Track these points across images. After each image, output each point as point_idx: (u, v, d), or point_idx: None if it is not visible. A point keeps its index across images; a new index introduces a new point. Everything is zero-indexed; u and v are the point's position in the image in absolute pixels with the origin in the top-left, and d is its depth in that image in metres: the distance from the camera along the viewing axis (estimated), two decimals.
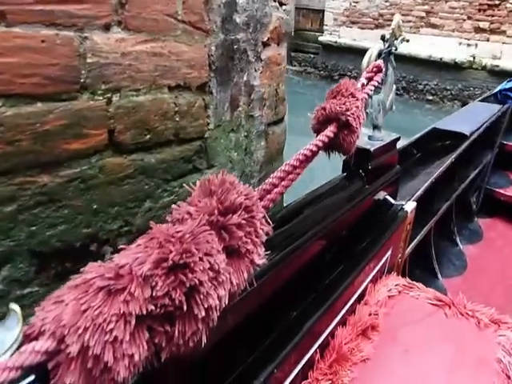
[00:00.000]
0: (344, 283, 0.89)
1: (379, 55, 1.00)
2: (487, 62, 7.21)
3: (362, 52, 1.00)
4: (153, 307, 0.39)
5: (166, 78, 1.06)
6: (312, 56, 9.72)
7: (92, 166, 0.96)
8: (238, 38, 1.24)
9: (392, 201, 1.17)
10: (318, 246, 0.87)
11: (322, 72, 9.42)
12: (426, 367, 0.88)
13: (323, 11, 9.38)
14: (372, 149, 1.02)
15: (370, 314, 0.97)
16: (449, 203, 1.85)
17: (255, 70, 1.35)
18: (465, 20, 7.52)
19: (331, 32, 9.25)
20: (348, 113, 0.74)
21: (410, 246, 1.41)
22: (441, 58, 7.56)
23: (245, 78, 1.31)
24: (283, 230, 0.77)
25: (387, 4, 8.28)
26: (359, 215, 1.03)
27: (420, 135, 1.88)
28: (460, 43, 7.56)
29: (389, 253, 1.12)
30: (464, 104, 3.00)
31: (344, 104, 0.74)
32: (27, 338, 0.35)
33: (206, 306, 0.41)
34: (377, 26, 8.29)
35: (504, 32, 7.18)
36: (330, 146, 0.76)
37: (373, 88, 0.89)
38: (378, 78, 0.92)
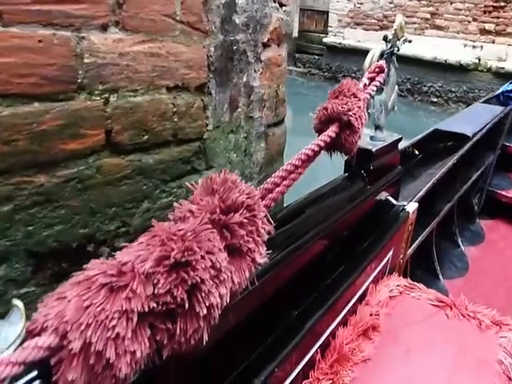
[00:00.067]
0: (345, 283, 0.89)
1: (381, 56, 1.00)
2: (492, 64, 7.16)
3: (366, 53, 1.00)
4: (155, 304, 0.39)
5: (163, 79, 1.06)
6: (316, 57, 9.71)
7: (89, 167, 0.96)
8: (238, 39, 1.24)
9: (394, 201, 1.17)
10: (319, 245, 0.87)
11: (326, 73, 9.41)
12: (426, 368, 0.88)
13: (327, 12, 9.38)
14: (374, 149, 1.02)
15: (371, 315, 0.96)
16: (451, 204, 1.84)
17: (255, 71, 1.35)
18: (470, 22, 7.48)
19: (335, 33, 9.24)
20: (350, 113, 0.74)
21: (412, 247, 1.41)
22: (446, 60, 7.53)
23: (244, 79, 1.31)
24: (285, 230, 0.77)
25: (392, 5, 8.26)
26: (361, 215, 1.03)
27: (422, 136, 1.87)
28: (465, 45, 7.52)
29: (390, 253, 1.11)
30: (469, 106, 2.98)
31: (346, 104, 0.75)
32: (30, 334, 0.35)
33: (207, 304, 0.41)
34: (381, 28, 8.27)
35: (510, 34, 7.14)
36: (331, 146, 0.77)
37: (375, 88, 0.89)
38: (380, 78, 0.92)
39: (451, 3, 7.58)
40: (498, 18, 7.23)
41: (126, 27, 0.95)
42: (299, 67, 9.99)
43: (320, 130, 0.76)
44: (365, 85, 0.88)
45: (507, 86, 2.63)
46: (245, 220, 0.48)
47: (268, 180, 0.61)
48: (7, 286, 0.90)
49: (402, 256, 1.24)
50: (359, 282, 0.96)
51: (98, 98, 0.94)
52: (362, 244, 1.01)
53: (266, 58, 1.39)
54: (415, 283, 1.13)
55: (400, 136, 1.15)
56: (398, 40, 1.08)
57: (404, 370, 0.87)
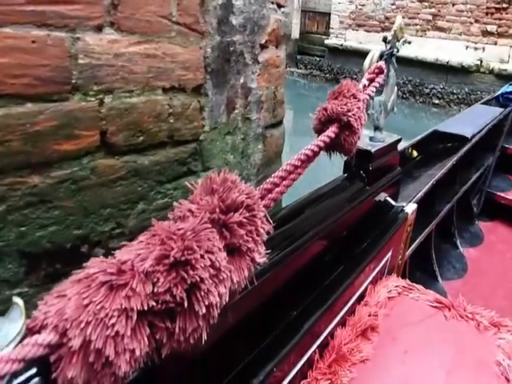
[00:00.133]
0: (344, 284, 0.89)
1: (381, 57, 1.00)
2: (495, 66, 7.15)
3: (367, 55, 1.00)
4: (154, 303, 0.39)
5: (159, 80, 1.05)
6: (318, 59, 9.72)
7: (83, 168, 0.96)
8: (235, 40, 1.24)
9: (393, 202, 1.17)
10: (318, 246, 0.87)
11: (327, 75, 9.41)
12: (425, 368, 0.88)
13: (329, 14, 9.39)
14: (373, 150, 1.02)
15: (369, 315, 0.96)
16: (450, 206, 1.84)
17: (252, 73, 1.35)
18: (472, 23, 7.47)
19: (337, 35, 9.25)
20: (349, 114, 0.74)
21: (411, 248, 1.41)
22: (447, 62, 7.52)
23: (241, 81, 1.31)
24: (284, 230, 0.77)
25: (393, 7, 8.26)
26: (360, 216, 1.03)
27: (421, 137, 1.87)
28: (467, 47, 7.51)
29: (389, 254, 1.11)
30: None
31: (345, 105, 0.75)
32: (30, 331, 0.36)
33: (206, 303, 0.42)
34: (383, 29, 8.26)
35: None
36: (331, 147, 0.77)
37: (374, 89, 0.89)
38: (380, 79, 0.92)
39: (453, 5, 7.57)
40: (500, 19, 7.21)
41: (121, 28, 0.95)
42: (301, 68, 10.00)
43: (319, 130, 0.76)
44: (364, 86, 0.88)
45: (507, 88, 2.63)
46: (244, 220, 0.48)
47: (267, 180, 0.62)
48: (0, 287, 0.89)
49: (400, 257, 1.24)
50: (358, 282, 0.96)
51: (93, 99, 0.93)
52: (361, 244, 1.01)
53: (264, 60, 1.39)
54: (414, 284, 1.13)
55: (399, 137, 1.15)
56: (398, 41, 1.09)
57: (402, 370, 0.87)
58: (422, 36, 7.91)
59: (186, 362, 0.54)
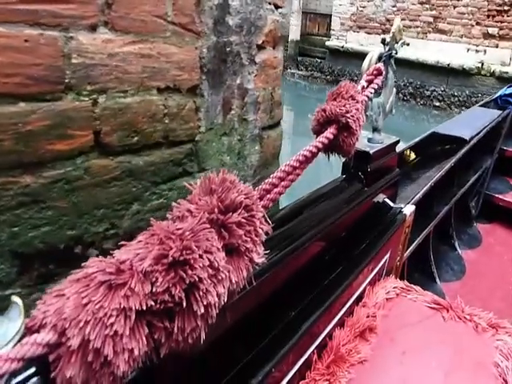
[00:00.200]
0: (342, 285, 0.89)
1: (379, 58, 1.00)
2: (496, 69, 7.13)
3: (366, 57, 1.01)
4: (153, 303, 0.39)
5: (154, 80, 1.05)
6: (319, 60, 9.73)
7: (77, 168, 0.95)
8: (231, 41, 1.23)
9: (391, 204, 1.17)
10: (316, 247, 0.87)
11: (328, 77, 9.41)
12: (423, 370, 0.88)
13: (330, 16, 9.39)
14: (371, 151, 1.02)
15: (367, 316, 0.96)
16: (448, 207, 1.84)
17: (249, 73, 1.34)
18: (473, 26, 7.45)
19: (338, 37, 9.25)
20: (348, 115, 0.74)
21: (409, 250, 1.41)
22: (448, 64, 7.50)
23: (238, 81, 1.30)
24: (283, 231, 0.77)
25: (394, 9, 8.25)
26: (358, 217, 1.03)
27: (420, 139, 1.87)
28: (468, 49, 7.50)
29: (387, 255, 1.11)
30: None
31: (344, 106, 0.75)
32: (29, 331, 0.36)
33: (205, 303, 0.42)
34: (384, 31, 8.26)
35: None
36: (329, 148, 0.77)
37: (373, 91, 0.90)
38: (379, 80, 0.92)
39: (454, 7, 7.56)
40: (501, 22, 7.19)
41: (115, 28, 0.94)
42: (301, 70, 10.00)
43: (318, 131, 0.76)
44: (363, 87, 0.88)
45: (505, 90, 2.63)
46: (243, 220, 0.48)
47: (266, 181, 0.62)
48: None
49: (399, 258, 1.24)
50: (356, 283, 0.96)
51: (87, 99, 0.93)
52: (360, 246, 1.01)
53: (261, 60, 1.38)
54: (412, 285, 1.13)
55: (398, 138, 1.15)
56: (396, 43, 1.09)
57: (400, 371, 0.87)
58: (423, 38, 7.90)
59: (184, 362, 0.54)
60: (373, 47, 1.02)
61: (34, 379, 0.36)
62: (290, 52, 10.14)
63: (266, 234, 0.52)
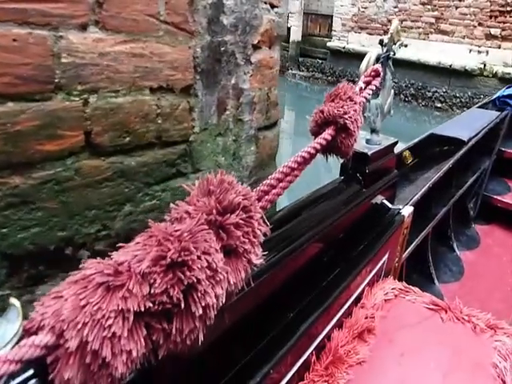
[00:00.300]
0: (341, 286, 0.89)
1: (377, 60, 1.00)
2: (498, 70, 7.09)
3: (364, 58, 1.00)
4: (151, 304, 0.39)
5: (147, 80, 1.04)
6: (320, 61, 9.71)
7: (67, 168, 0.94)
8: (226, 40, 1.22)
9: (389, 205, 1.16)
10: (315, 248, 0.87)
11: (329, 77, 9.39)
12: (421, 371, 0.88)
13: (332, 16, 9.38)
14: (369, 153, 1.02)
15: (366, 317, 0.97)
16: (446, 209, 1.84)
17: (245, 73, 1.33)
18: (476, 26, 7.42)
19: (339, 37, 9.23)
20: (346, 116, 0.74)
21: (407, 251, 1.41)
22: (450, 65, 7.47)
23: (233, 81, 1.29)
24: (281, 232, 0.77)
25: (396, 10, 8.22)
26: (356, 219, 1.03)
27: (418, 140, 1.87)
28: (470, 50, 7.46)
29: (386, 257, 1.11)
30: None
31: (342, 107, 0.75)
32: (27, 332, 0.36)
33: (203, 304, 0.42)
34: (385, 32, 8.22)
35: None
36: (327, 149, 0.77)
37: (371, 92, 0.90)
38: (376, 82, 0.92)
39: (456, 8, 7.53)
40: (504, 22, 7.15)
41: (106, 27, 0.93)
42: (303, 71, 9.99)
43: (316, 132, 0.77)
44: (361, 88, 0.88)
45: (503, 91, 2.63)
46: (241, 221, 0.48)
47: (264, 182, 0.62)
48: None
49: (397, 259, 1.24)
50: (354, 284, 0.96)
51: (77, 99, 0.92)
52: (358, 247, 1.01)
53: (257, 60, 1.37)
54: (410, 287, 1.13)
55: (396, 140, 1.15)
56: (394, 44, 1.09)
57: (399, 372, 0.87)
58: (424, 39, 7.87)
59: (182, 364, 0.54)
60: (374, 48, 1.03)
61: (32, 381, 0.36)
62: (291, 53, 10.14)
63: (265, 235, 0.52)
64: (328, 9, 9.50)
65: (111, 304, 0.37)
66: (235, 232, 0.47)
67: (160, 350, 0.41)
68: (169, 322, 0.41)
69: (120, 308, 0.37)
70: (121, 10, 0.95)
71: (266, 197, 0.60)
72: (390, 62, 1.06)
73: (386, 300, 1.05)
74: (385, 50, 1.03)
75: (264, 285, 0.67)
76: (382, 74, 0.95)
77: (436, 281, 1.86)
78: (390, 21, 8.25)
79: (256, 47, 1.35)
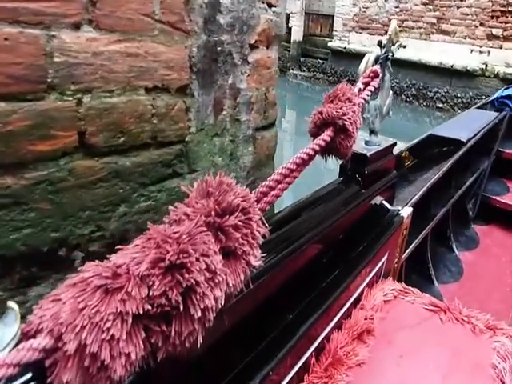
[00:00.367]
0: (340, 287, 0.89)
1: (376, 61, 1.00)
2: (500, 70, 7.06)
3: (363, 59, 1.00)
4: (149, 307, 0.39)
5: (141, 79, 1.03)
6: (321, 61, 9.69)
7: (60, 169, 0.94)
8: (222, 40, 1.21)
9: (388, 206, 1.16)
10: (314, 249, 0.87)
11: (330, 78, 9.38)
12: (420, 372, 0.87)
13: (333, 17, 9.36)
14: (368, 154, 1.02)
15: (365, 319, 0.96)
16: (445, 209, 1.84)
17: (242, 73, 1.32)
18: (477, 27, 7.39)
19: (341, 37, 9.21)
20: (345, 117, 0.74)
21: (407, 252, 1.40)
22: (452, 65, 7.44)
23: (230, 81, 1.28)
24: (280, 233, 0.77)
25: (397, 10, 8.20)
26: (355, 220, 1.03)
27: (417, 141, 1.87)
28: (472, 50, 7.43)
29: (385, 258, 1.11)
30: None
31: (341, 109, 0.75)
32: (25, 336, 0.36)
33: (202, 307, 0.42)
34: (386, 32, 8.20)
35: None
36: (326, 150, 0.77)
37: (369, 93, 0.90)
38: (375, 83, 0.92)
39: (458, 8, 7.50)
40: (505, 22, 7.12)
41: (100, 26, 0.92)
42: (304, 71, 9.98)
43: (315, 134, 0.77)
44: (359, 89, 0.88)
45: (502, 92, 2.62)
46: (240, 223, 0.48)
47: (263, 183, 0.62)
48: None
49: (396, 260, 1.23)
50: (354, 286, 0.96)
51: (70, 99, 0.91)
52: (357, 248, 1.00)
53: (254, 60, 1.36)
54: (410, 288, 1.13)
55: (395, 141, 1.15)
56: (393, 45, 1.09)
57: (398, 373, 0.87)
58: (426, 39, 7.84)
59: (181, 366, 0.54)
60: (375, 48, 1.02)
61: None
62: (292, 53, 10.12)
63: (263, 236, 0.52)
64: (329, 9, 9.48)
65: (110, 307, 0.36)
66: (234, 234, 0.47)
67: (159, 352, 0.41)
68: (168, 325, 0.41)
69: (118, 311, 0.37)
70: (115, 8, 0.94)
71: (265, 198, 0.60)
72: (389, 63, 1.06)
73: (385, 301, 1.05)
74: (383, 51, 1.03)
75: (263, 286, 0.67)
76: (380, 75, 0.95)
77: (435, 281, 1.85)
78: (391, 21, 8.23)
79: (253, 47, 1.34)
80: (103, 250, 1.05)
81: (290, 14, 10.00)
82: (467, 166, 2.16)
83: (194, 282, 0.41)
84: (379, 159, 1.07)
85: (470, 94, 7.38)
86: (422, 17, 7.88)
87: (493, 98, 2.67)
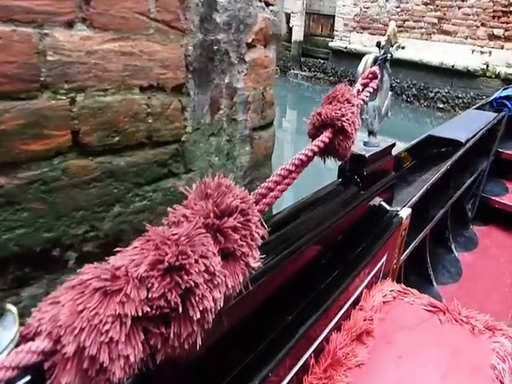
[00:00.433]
0: (339, 288, 0.89)
1: (375, 62, 1.00)
2: (501, 70, 7.04)
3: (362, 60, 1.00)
4: (148, 309, 0.39)
5: (136, 78, 1.02)
6: (322, 61, 9.69)
7: (54, 168, 0.93)
8: (219, 39, 1.20)
9: (387, 207, 1.16)
10: (313, 250, 0.87)
11: (331, 77, 9.37)
12: (420, 373, 0.88)
13: (334, 16, 9.36)
14: (367, 155, 1.02)
15: (364, 320, 0.96)
16: (444, 210, 1.84)
17: (239, 72, 1.31)
18: (478, 27, 7.37)
19: (341, 37, 9.20)
20: (343, 118, 0.74)
21: (406, 253, 1.41)
22: (453, 66, 7.42)
23: (226, 80, 1.27)
24: (279, 235, 0.77)
25: (398, 10, 8.19)
26: (354, 221, 1.03)
27: (415, 142, 1.87)
28: (473, 50, 7.42)
29: (384, 259, 1.11)
30: None
31: (339, 110, 0.75)
32: (24, 338, 0.36)
33: (201, 308, 0.42)
34: None
35: None
36: (325, 152, 0.77)
37: (368, 94, 0.90)
38: (374, 84, 0.92)
39: (459, 8, 7.48)
40: (507, 23, 7.10)
41: (94, 24, 0.91)
42: (305, 71, 9.97)
43: (314, 135, 0.76)
44: (358, 91, 0.88)
45: (500, 93, 2.62)
46: (239, 224, 0.48)
47: (262, 185, 0.62)
48: None
49: (395, 261, 1.23)
50: (353, 287, 0.96)
51: (64, 98, 0.90)
52: (356, 249, 1.00)
53: (251, 59, 1.35)
54: (409, 288, 1.13)
55: (393, 141, 1.15)
56: (392, 46, 1.09)
57: (397, 374, 0.87)
58: (427, 39, 7.83)
59: (180, 368, 0.54)
60: (376, 48, 1.02)
61: None
62: (293, 53, 10.12)
63: (262, 238, 0.52)
64: (330, 9, 9.47)
65: (108, 309, 0.36)
66: (233, 235, 0.47)
67: (158, 354, 0.41)
68: (167, 327, 0.40)
69: (117, 313, 0.37)
70: (109, 7, 0.93)
71: (264, 200, 0.60)
72: (388, 64, 1.06)
73: (384, 302, 1.05)
74: (382, 52, 1.03)
75: (262, 288, 0.67)
76: (379, 76, 0.95)
77: (434, 282, 1.86)
78: (390, 22, 8.21)
79: (250, 46, 1.33)
80: (97, 250, 1.05)
81: (291, 14, 10.00)
82: (466, 167, 2.17)
83: (192, 284, 0.41)
84: (378, 160, 1.07)
85: (471, 94, 7.36)
86: (423, 17, 7.86)
87: (491, 98, 2.67)
